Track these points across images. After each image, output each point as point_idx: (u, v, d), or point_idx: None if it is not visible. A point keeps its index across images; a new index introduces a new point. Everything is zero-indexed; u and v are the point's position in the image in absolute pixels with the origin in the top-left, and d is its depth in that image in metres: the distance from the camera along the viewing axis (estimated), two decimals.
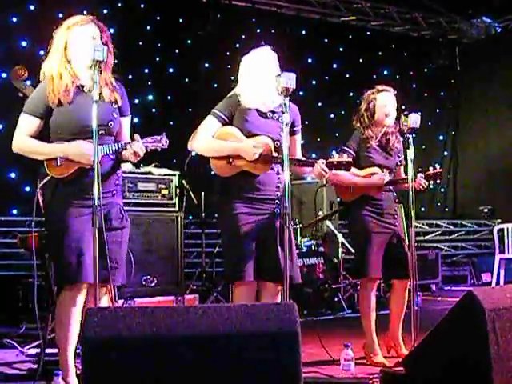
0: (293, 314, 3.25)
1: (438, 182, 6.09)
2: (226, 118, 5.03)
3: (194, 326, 3.17)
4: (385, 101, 5.98)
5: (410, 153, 5.46)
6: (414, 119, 5.49)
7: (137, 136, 4.55)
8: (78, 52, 4.55)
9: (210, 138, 5.01)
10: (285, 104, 4.62)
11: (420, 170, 5.92)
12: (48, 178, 4.50)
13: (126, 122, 4.82)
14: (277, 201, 5.01)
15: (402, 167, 6.20)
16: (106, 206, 4.52)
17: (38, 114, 4.55)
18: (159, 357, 3.14)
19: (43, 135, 4.58)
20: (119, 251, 4.62)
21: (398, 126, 5.95)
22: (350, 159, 5.17)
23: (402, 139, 6.04)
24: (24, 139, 4.55)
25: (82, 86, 4.58)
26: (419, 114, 5.55)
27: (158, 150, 4.65)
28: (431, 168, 6.02)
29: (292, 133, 5.17)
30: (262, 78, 4.98)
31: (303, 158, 5.21)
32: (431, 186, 6.17)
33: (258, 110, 5.05)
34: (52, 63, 4.58)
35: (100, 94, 4.48)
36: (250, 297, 4.97)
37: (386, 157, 6.00)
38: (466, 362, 4.11)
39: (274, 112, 5.07)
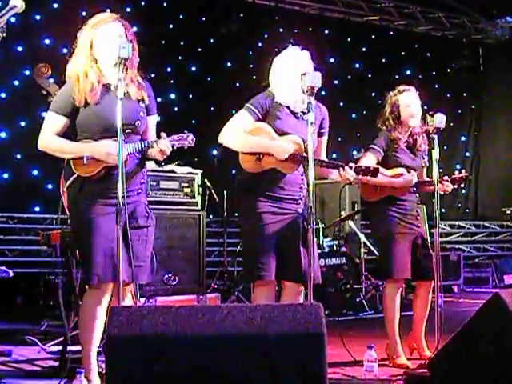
0: (318, 314, 3.22)
1: (463, 186, 6.06)
2: (259, 114, 4.97)
3: (219, 326, 3.15)
4: (408, 101, 5.94)
5: (436, 153, 5.43)
6: (439, 119, 5.46)
7: (163, 134, 4.52)
8: (104, 50, 4.51)
9: (242, 132, 4.96)
10: (310, 103, 4.60)
11: (441, 170, 5.86)
12: (74, 176, 4.48)
13: (152, 121, 4.78)
14: (299, 201, 4.99)
15: (424, 169, 6.14)
16: (132, 204, 4.50)
17: (65, 112, 4.51)
18: (183, 356, 3.12)
19: (69, 134, 4.56)
20: (144, 250, 4.58)
21: (424, 127, 5.92)
22: (378, 166, 5.15)
23: (427, 140, 6.02)
24: (51, 138, 4.52)
25: (109, 85, 4.52)
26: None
27: (183, 149, 4.64)
28: (457, 172, 6.00)
29: (319, 134, 5.14)
30: (293, 77, 4.92)
31: (331, 161, 5.16)
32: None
33: (290, 110, 5.01)
34: (78, 62, 4.55)
35: (127, 91, 4.48)
36: (269, 297, 4.94)
37: (413, 157, 5.95)
38: (492, 365, 4.07)
39: (304, 113, 5.01)
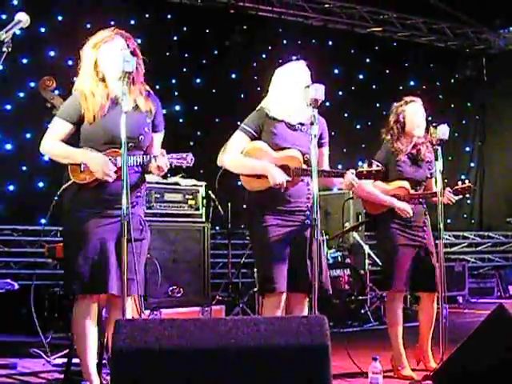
0: (323, 326, 3.22)
1: (468, 196, 6.05)
2: (254, 133, 5.02)
3: (224, 339, 3.15)
4: (414, 112, 5.94)
5: (439, 164, 5.43)
6: (443, 131, 5.47)
7: (163, 151, 4.53)
8: (109, 66, 4.53)
9: (239, 154, 5.00)
10: (314, 116, 4.60)
11: (446, 181, 5.86)
12: (70, 182, 4.50)
13: (157, 138, 4.79)
14: (307, 212, 4.99)
15: (432, 179, 6.10)
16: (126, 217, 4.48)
17: (72, 120, 4.54)
18: (187, 369, 3.12)
19: (72, 142, 4.58)
20: (138, 263, 4.52)
21: (428, 137, 5.91)
22: (380, 168, 5.16)
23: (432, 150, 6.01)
24: (52, 141, 4.54)
25: (117, 98, 4.53)
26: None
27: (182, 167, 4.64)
28: (460, 182, 5.97)
29: (319, 145, 5.13)
30: (292, 90, 4.96)
31: (332, 170, 5.18)
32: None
33: (286, 123, 5.04)
34: (84, 82, 4.57)
35: (136, 104, 4.53)
36: (279, 308, 4.94)
37: (416, 169, 5.93)
38: (496, 376, 4.07)
39: (302, 124, 5.04)
